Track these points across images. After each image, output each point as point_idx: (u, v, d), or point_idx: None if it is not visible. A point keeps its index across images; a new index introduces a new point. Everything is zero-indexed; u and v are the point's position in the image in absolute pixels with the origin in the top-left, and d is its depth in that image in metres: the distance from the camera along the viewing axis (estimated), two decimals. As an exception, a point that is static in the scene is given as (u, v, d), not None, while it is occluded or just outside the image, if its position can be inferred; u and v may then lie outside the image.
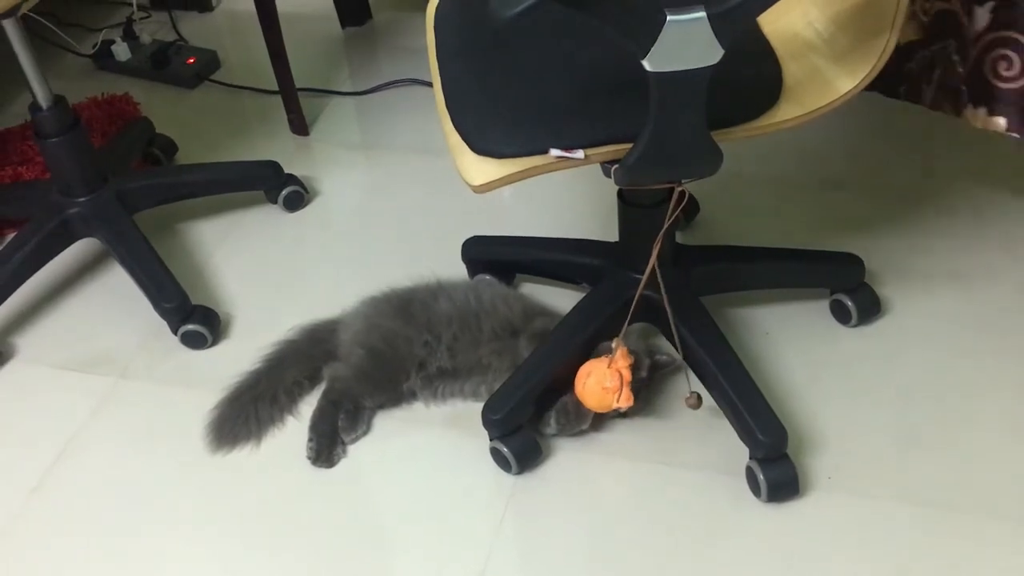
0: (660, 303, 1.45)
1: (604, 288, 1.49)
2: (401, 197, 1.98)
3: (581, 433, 1.46)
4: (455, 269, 1.70)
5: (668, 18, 0.94)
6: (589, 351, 1.47)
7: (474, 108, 1.17)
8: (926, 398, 1.47)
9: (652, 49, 0.95)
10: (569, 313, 1.48)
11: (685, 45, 0.96)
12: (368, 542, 1.38)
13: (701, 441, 1.44)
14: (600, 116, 1.12)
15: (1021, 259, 1.66)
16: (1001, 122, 1.39)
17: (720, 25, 0.94)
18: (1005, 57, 1.35)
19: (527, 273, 1.67)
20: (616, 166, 1.10)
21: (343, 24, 2.50)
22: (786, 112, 1.14)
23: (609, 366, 1.36)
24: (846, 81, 1.11)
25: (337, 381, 1.55)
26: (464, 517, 1.40)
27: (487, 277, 1.68)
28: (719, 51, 0.96)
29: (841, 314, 1.57)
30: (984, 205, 1.77)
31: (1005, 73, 1.36)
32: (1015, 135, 1.39)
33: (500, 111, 1.16)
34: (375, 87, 2.27)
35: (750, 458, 1.35)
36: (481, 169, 1.11)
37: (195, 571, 1.37)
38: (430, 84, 2.27)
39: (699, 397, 1.38)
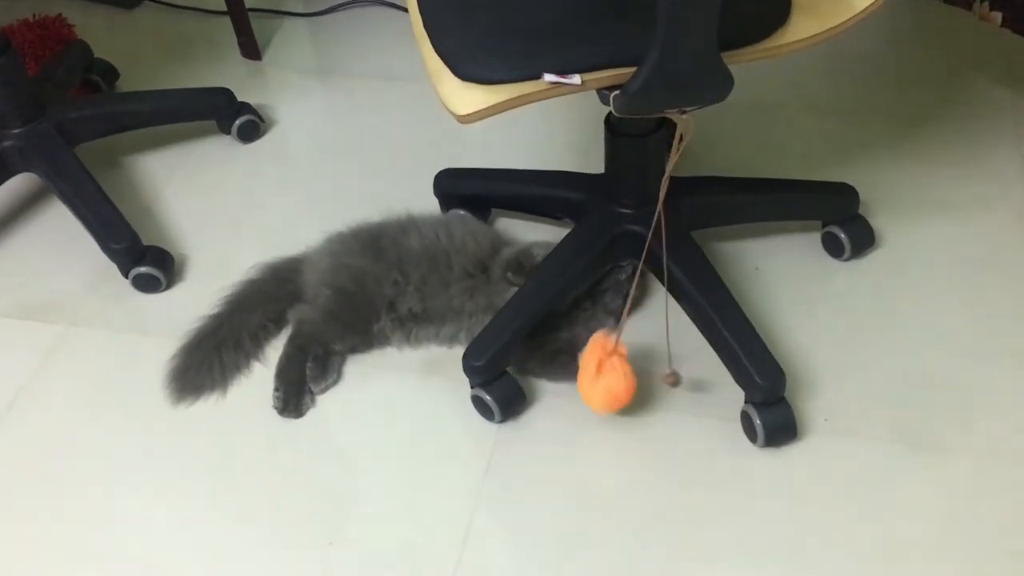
0: (644, 237, 1.37)
1: (589, 224, 1.41)
2: (365, 126, 1.86)
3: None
4: (426, 203, 1.60)
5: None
6: (573, 290, 1.39)
7: (457, 30, 1.06)
8: (923, 335, 1.42)
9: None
10: (553, 250, 1.39)
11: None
12: (341, 499, 1.30)
13: (692, 385, 1.37)
14: (597, 37, 1.02)
15: (1012, 188, 1.60)
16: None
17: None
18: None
19: (504, 208, 1.57)
20: (615, 92, 1.00)
21: (293, -61, 2.33)
22: (799, 30, 1.04)
23: (612, 367, 1.27)
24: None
25: (304, 324, 1.45)
26: (444, 471, 1.32)
27: (461, 212, 1.58)
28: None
29: (834, 247, 1.50)
30: (976, 133, 1.70)
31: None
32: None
33: (486, 33, 1.05)
34: (332, 7, 2.12)
35: (746, 402, 1.29)
36: (467, 97, 1.01)
37: (157, 530, 1.28)
38: (393, 4, 2.18)
39: (677, 375, 1.31)
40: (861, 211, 1.50)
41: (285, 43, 2.07)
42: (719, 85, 0.99)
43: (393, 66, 1.97)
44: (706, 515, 1.24)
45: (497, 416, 1.34)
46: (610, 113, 1.33)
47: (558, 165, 1.62)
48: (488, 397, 1.32)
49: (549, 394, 1.39)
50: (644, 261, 1.39)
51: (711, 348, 1.32)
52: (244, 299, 1.50)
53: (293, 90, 1.96)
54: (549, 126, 1.80)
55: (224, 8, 2.04)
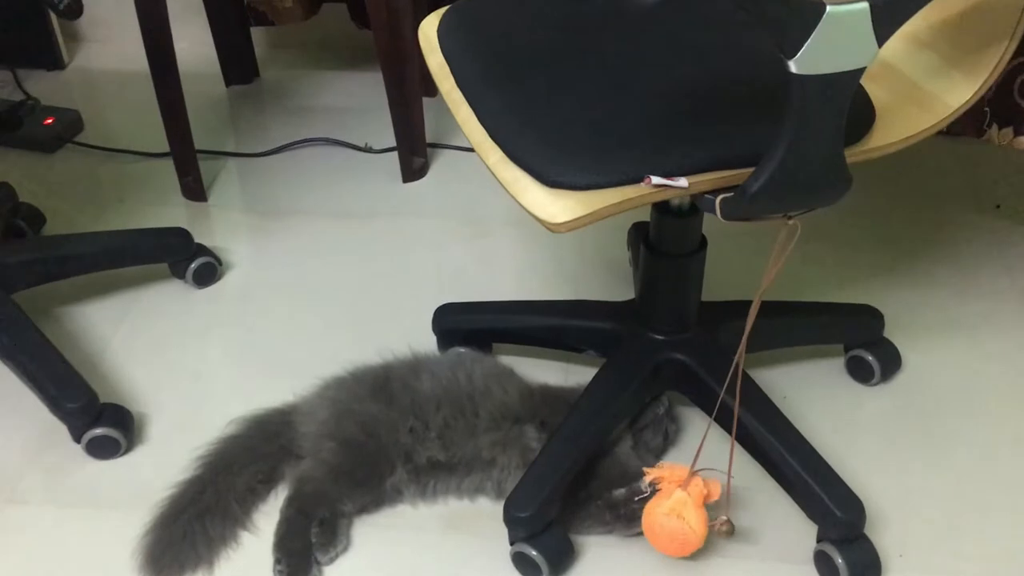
0: (689, 367, 1.27)
1: (626, 354, 1.29)
2: (328, 266, 1.72)
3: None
4: (413, 342, 1.45)
5: (828, 9, 0.77)
6: (616, 426, 1.27)
7: (533, 137, 0.96)
8: (968, 458, 1.35)
9: (804, 47, 0.78)
10: (590, 385, 1.27)
11: (842, 42, 0.80)
12: None
13: (747, 528, 1.25)
14: (701, 138, 0.94)
15: (1007, 305, 1.59)
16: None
17: (882, 18, 0.79)
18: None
19: (517, 343, 1.45)
20: (723, 196, 0.92)
21: (228, 82, 2.23)
22: (882, 137, 0.99)
23: (677, 512, 1.15)
24: (952, 97, 0.99)
25: (306, 483, 1.26)
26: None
27: (462, 350, 1.45)
28: (874, 49, 0.81)
29: (861, 372, 1.43)
30: (966, 256, 1.70)
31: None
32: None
33: (569, 138, 0.95)
34: (279, 147, 2.01)
35: (821, 540, 1.18)
36: (561, 205, 0.90)
37: None
38: (341, 142, 2.08)
39: (731, 524, 1.19)
40: (878, 334, 1.45)
41: (231, 184, 1.93)
42: (839, 186, 0.92)
43: (349, 204, 1.86)
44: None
45: (545, 573, 1.17)
46: (648, 233, 1.26)
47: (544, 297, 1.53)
48: (534, 552, 1.16)
49: (593, 544, 1.24)
50: (690, 392, 1.29)
51: (763, 487, 1.22)
52: (227, 459, 1.31)
53: (246, 231, 1.81)
54: (531, 259, 1.70)
55: (158, 150, 1.91)
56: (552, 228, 0.90)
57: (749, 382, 1.23)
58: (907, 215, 1.79)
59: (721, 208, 0.92)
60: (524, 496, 1.17)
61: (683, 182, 0.90)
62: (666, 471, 1.17)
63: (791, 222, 0.95)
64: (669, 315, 1.28)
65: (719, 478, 1.17)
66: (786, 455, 1.18)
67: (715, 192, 0.93)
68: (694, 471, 1.15)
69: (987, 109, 1.35)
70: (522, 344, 1.45)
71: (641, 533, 1.21)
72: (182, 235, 1.62)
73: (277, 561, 1.20)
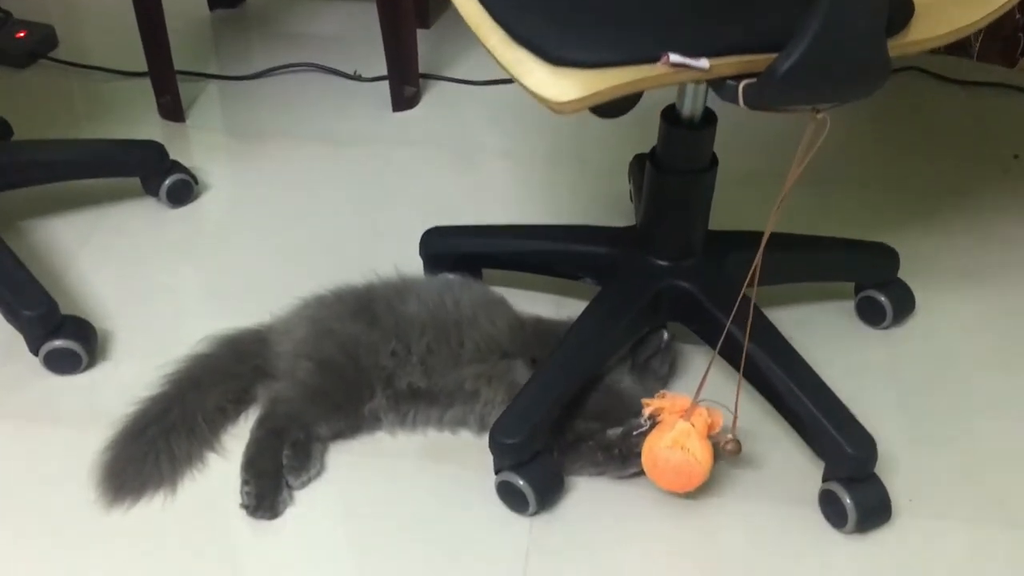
0: (693, 295, 1.19)
1: (626, 280, 1.21)
2: (311, 190, 1.63)
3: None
4: (396, 267, 1.36)
5: None
6: (612, 355, 1.19)
7: (539, 15, 0.87)
8: (980, 404, 1.28)
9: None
10: (587, 310, 1.19)
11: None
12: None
13: (751, 466, 1.18)
14: (727, 16, 0.85)
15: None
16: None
17: None
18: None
19: (508, 268, 1.36)
20: (747, 82, 0.83)
21: (212, 5, 2.12)
22: (921, 31, 0.91)
23: (681, 444, 1.07)
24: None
25: (280, 404, 1.18)
26: None
27: (450, 276, 1.36)
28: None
29: (872, 313, 1.36)
30: (998, 202, 1.63)
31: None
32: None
33: (578, 15, 0.86)
34: (263, 71, 1.91)
35: (827, 480, 1.10)
36: (568, 83, 0.82)
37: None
38: (328, 68, 1.98)
39: (738, 442, 1.11)
40: (892, 278, 1.38)
41: (211, 106, 1.83)
42: (876, 73, 0.84)
43: (336, 130, 1.77)
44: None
45: (532, 505, 1.09)
46: (655, 148, 1.17)
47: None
48: (521, 482, 1.08)
49: (583, 483, 1.16)
50: (693, 323, 1.21)
51: (764, 428, 1.14)
52: (196, 377, 1.22)
53: (225, 153, 1.71)
54: (521, 189, 1.62)
55: (136, 69, 1.81)
56: (556, 108, 0.82)
57: (757, 312, 1.14)
58: (922, 165, 1.71)
59: (744, 95, 0.84)
60: (512, 422, 1.09)
61: (704, 63, 0.81)
62: (667, 402, 1.10)
63: (820, 115, 0.87)
64: (673, 239, 1.20)
65: (722, 410, 1.09)
66: (794, 388, 1.10)
67: (738, 78, 0.84)
68: (697, 401, 1.08)
69: (1021, 35, 1.27)
70: (514, 270, 1.36)
71: (635, 474, 1.14)
72: (156, 148, 1.53)
73: (245, 483, 1.11)
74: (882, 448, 1.13)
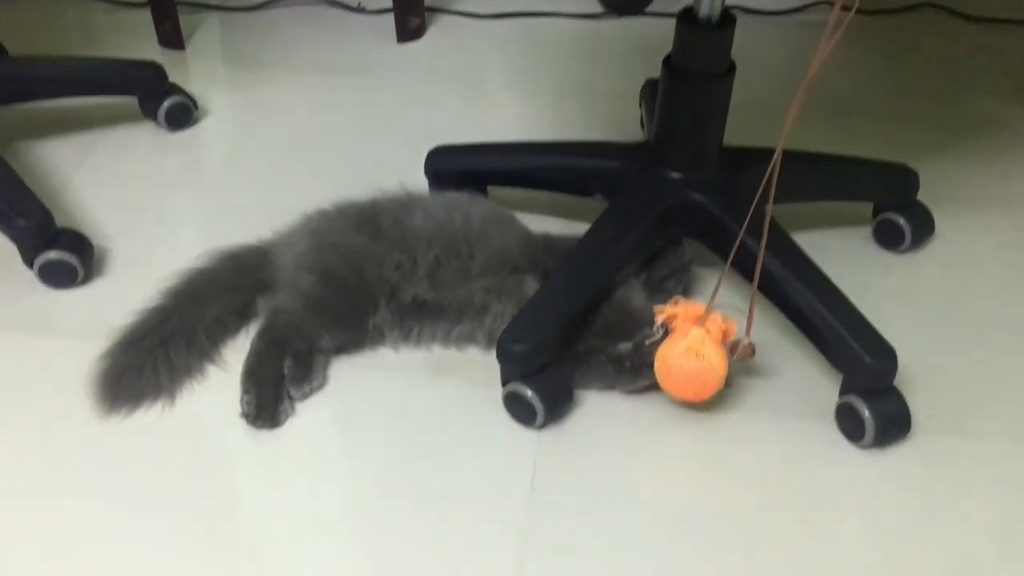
0: (707, 208, 1.15)
1: (635, 193, 1.18)
2: (315, 117, 1.59)
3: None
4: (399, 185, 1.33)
5: None
6: (623, 268, 1.15)
7: None
8: (1003, 326, 1.24)
9: None
10: (596, 224, 1.15)
11: None
12: (333, 534, 0.98)
13: (765, 381, 1.14)
14: None
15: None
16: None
17: None
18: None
19: (517, 185, 1.32)
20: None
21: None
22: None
23: (695, 351, 1.03)
24: None
25: (281, 315, 1.14)
26: (474, 491, 1.02)
27: (457, 193, 1.32)
28: None
29: (890, 236, 1.32)
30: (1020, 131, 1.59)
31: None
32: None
33: None
34: (266, 2, 1.87)
35: (845, 393, 1.07)
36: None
37: None
38: (333, 2, 1.93)
39: (753, 346, 1.08)
40: (910, 203, 1.34)
41: (212, 35, 1.79)
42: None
43: (339, 60, 1.73)
44: (804, 528, 1.00)
45: (540, 416, 1.06)
46: (669, 55, 1.14)
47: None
48: (529, 392, 1.05)
49: (593, 396, 1.13)
50: (706, 237, 1.17)
51: (778, 344, 1.11)
52: (195, 289, 1.19)
53: (226, 82, 1.68)
54: (529, 120, 1.58)
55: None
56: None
57: (772, 222, 1.10)
58: (941, 100, 1.67)
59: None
60: (521, 329, 1.06)
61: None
62: (680, 308, 1.06)
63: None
64: (687, 150, 1.16)
65: (736, 315, 1.06)
66: (812, 298, 1.07)
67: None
68: (711, 307, 1.04)
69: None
70: (522, 187, 1.33)
71: (646, 388, 1.10)
72: (154, 68, 1.49)
73: (245, 391, 1.08)
74: (902, 367, 1.10)
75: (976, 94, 1.68)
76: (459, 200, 1.26)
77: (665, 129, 1.16)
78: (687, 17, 1.09)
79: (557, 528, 0.98)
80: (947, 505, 1.02)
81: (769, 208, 1.01)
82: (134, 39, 1.75)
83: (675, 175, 1.17)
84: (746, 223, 1.03)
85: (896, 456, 1.07)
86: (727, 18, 1.09)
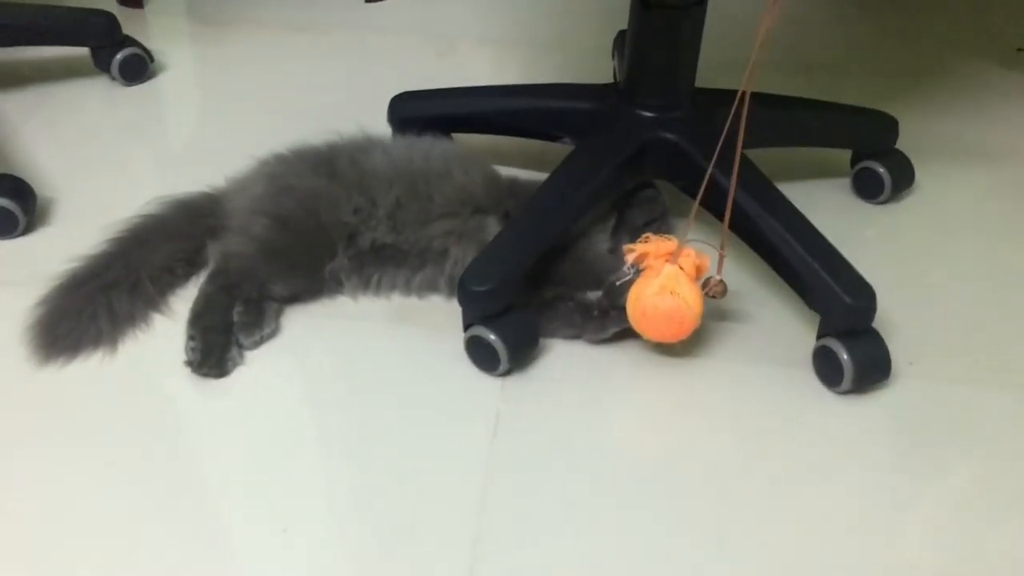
0: (680, 146, 1.10)
1: (606, 131, 1.12)
2: (278, 71, 1.54)
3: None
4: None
5: None
6: (591, 207, 1.10)
7: None
8: (983, 273, 1.20)
9: None
10: (565, 162, 1.10)
11: None
12: (293, 481, 0.93)
13: (737, 328, 1.09)
14: None
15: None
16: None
17: None
18: None
19: (483, 131, 1.27)
20: None
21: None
22: None
23: (670, 289, 0.98)
24: None
25: (233, 259, 1.08)
26: (435, 441, 0.96)
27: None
28: None
29: (870, 186, 1.28)
30: (1003, 88, 1.55)
31: None
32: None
33: None
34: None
35: (822, 336, 1.02)
36: None
37: (31, 534, 0.87)
38: None
39: (724, 283, 1.03)
40: (889, 154, 1.29)
41: (173, -4, 1.73)
42: None
43: (303, 16, 1.68)
44: (779, 476, 0.94)
45: (504, 361, 1.00)
46: (640, -15, 1.09)
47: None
48: (492, 336, 0.99)
49: (559, 341, 1.07)
50: (680, 178, 1.12)
51: (752, 289, 1.07)
52: (143, 235, 1.13)
53: (187, 37, 1.63)
54: (501, 77, 1.53)
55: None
56: None
57: (745, 160, 1.05)
58: (920, 55, 1.63)
59: None
60: (483, 268, 1.01)
61: None
62: (652, 246, 1.01)
63: None
64: (659, 87, 1.11)
65: (709, 252, 1.01)
66: (787, 235, 1.02)
67: None
68: (683, 242, 0.99)
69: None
70: (489, 132, 1.27)
71: (614, 335, 1.05)
72: (106, 17, 1.43)
73: (190, 338, 1.02)
74: (882, 315, 1.05)
75: (960, 52, 1.64)
76: (421, 141, 1.20)
77: (636, 65, 1.11)
78: (657, -57, 1.05)
79: (518, 478, 0.93)
80: (928, 452, 0.98)
81: (739, 142, 0.96)
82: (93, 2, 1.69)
83: (647, 114, 1.12)
84: (715, 158, 0.98)
85: (874, 402, 1.02)
86: (699, -57, 1.04)
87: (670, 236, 1.03)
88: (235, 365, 1.03)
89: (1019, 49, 1.63)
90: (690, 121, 1.12)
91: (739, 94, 0.92)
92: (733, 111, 0.94)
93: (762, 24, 0.89)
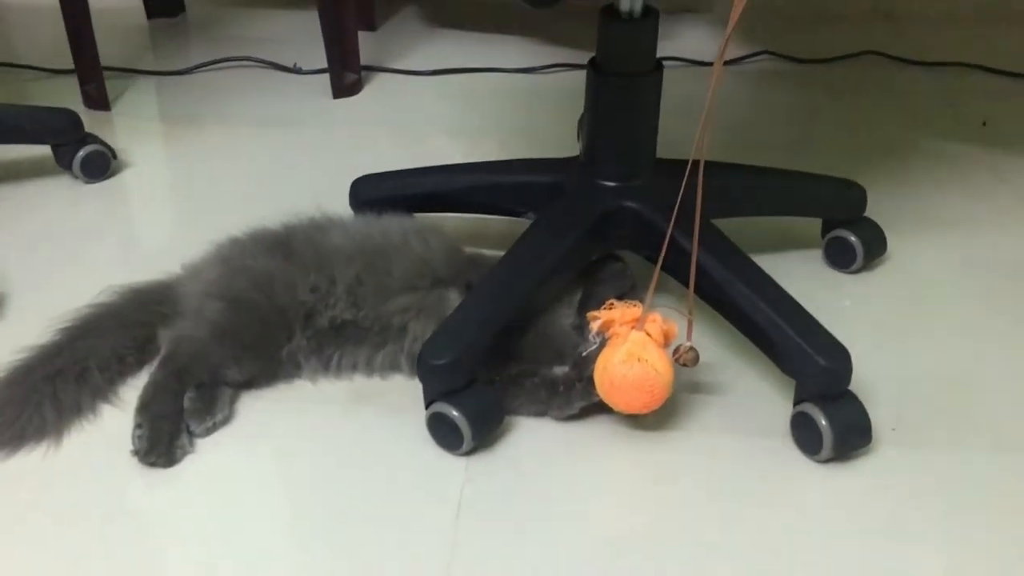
0: (642, 215, 1.08)
1: (569, 202, 1.10)
2: (243, 168, 1.53)
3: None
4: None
5: None
6: (554, 279, 1.07)
7: None
8: (973, 341, 1.16)
9: None
10: (526, 233, 1.07)
11: None
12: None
13: (709, 397, 1.05)
14: None
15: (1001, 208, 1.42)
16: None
17: None
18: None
19: (446, 210, 1.25)
20: None
21: (150, 15, 2.06)
22: None
23: (637, 356, 0.95)
24: None
25: (184, 343, 1.04)
26: (395, 529, 0.91)
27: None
28: None
29: (842, 255, 1.25)
30: (969, 157, 1.55)
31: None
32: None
33: None
34: (198, 65, 1.83)
35: (801, 402, 0.97)
36: None
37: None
38: (270, 63, 1.87)
39: (695, 351, 1.00)
40: (860, 225, 1.27)
41: (140, 97, 1.74)
42: None
43: (269, 115, 1.68)
44: (759, 549, 0.89)
45: (467, 439, 0.95)
46: (595, 57, 1.08)
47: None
48: (455, 412, 0.95)
49: (524, 419, 1.02)
50: (644, 247, 1.10)
51: (726, 361, 1.04)
52: (92, 323, 1.09)
53: (151, 136, 1.62)
54: (465, 159, 1.52)
55: (57, 66, 1.73)
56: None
57: (707, 222, 1.03)
58: (886, 133, 1.64)
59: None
60: (443, 341, 0.97)
61: None
62: (616, 312, 0.97)
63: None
64: (619, 155, 1.10)
65: (676, 318, 0.98)
66: (755, 298, 0.99)
67: None
68: (649, 308, 0.96)
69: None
70: (452, 211, 1.25)
71: (581, 411, 1.01)
72: (68, 115, 1.43)
73: (137, 426, 0.97)
74: (862, 382, 1.01)
75: (925, 129, 1.65)
76: (381, 218, 1.17)
77: (595, 135, 1.10)
78: (609, 12, 1.04)
79: (483, 563, 0.87)
80: (917, 521, 0.92)
81: (699, 205, 0.93)
82: (58, 101, 1.69)
83: (608, 183, 1.10)
84: (672, 221, 0.96)
85: (858, 471, 0.97)
86: (649, 11, 1.04)
87: (635, 302, 0.99)
88: (184, 453, 0.98)
89: (984, 123, 1.63)
90: (651, 189, 1.10)
91: (689, 162, 0.91)
92: (686, 178, 0.92)
93: (710, 88, 0.88)
